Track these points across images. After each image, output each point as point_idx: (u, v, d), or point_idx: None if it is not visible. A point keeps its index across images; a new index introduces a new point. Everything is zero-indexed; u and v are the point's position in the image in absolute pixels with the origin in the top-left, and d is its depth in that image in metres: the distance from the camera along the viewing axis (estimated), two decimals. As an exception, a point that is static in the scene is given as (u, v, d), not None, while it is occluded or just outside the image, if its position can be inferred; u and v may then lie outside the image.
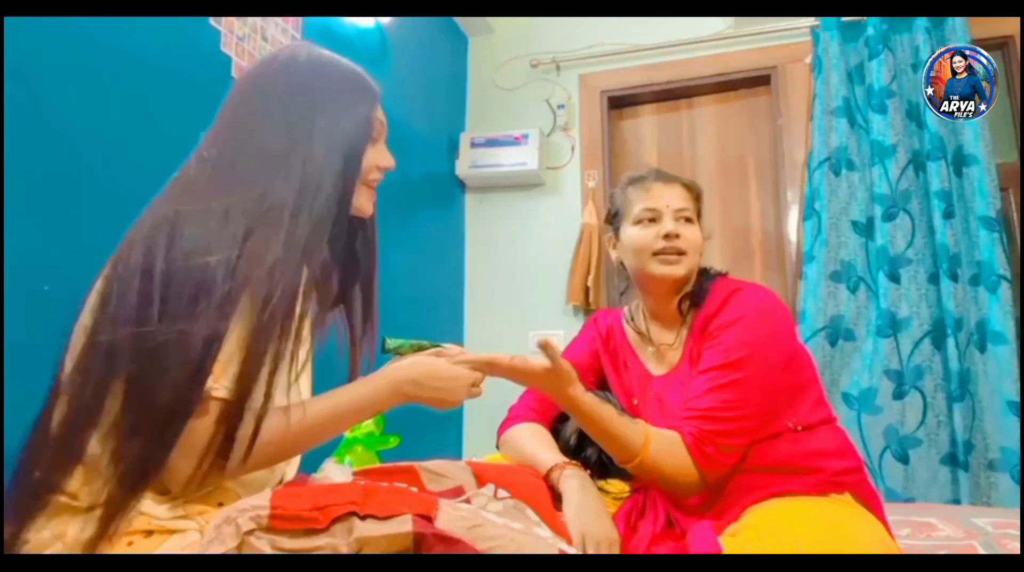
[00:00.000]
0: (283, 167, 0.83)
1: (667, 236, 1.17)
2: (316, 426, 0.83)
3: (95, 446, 0.75)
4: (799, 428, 1.10)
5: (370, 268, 1.05)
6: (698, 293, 1.20)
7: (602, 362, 1.32)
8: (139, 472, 0.72)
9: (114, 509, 0.71)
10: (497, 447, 1.30)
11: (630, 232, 1.22)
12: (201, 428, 0.73)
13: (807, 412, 1.12)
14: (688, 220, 1.20)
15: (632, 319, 1.31)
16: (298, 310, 0.82)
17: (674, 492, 1.10)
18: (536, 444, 1.20)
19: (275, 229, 0.80)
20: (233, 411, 0.74)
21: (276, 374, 0.78)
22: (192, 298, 0.73)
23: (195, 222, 0.77)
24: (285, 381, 0.84)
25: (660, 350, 1.24)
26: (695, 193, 1.25)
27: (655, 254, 1.18)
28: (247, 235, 0.78)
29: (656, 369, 1.23)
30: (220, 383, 0.74)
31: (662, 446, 1.03)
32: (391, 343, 1.01)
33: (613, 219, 1.30)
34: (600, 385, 1.33)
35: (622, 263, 1.27)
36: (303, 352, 0.87)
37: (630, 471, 1.06)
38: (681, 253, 1.18)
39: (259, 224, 0.79)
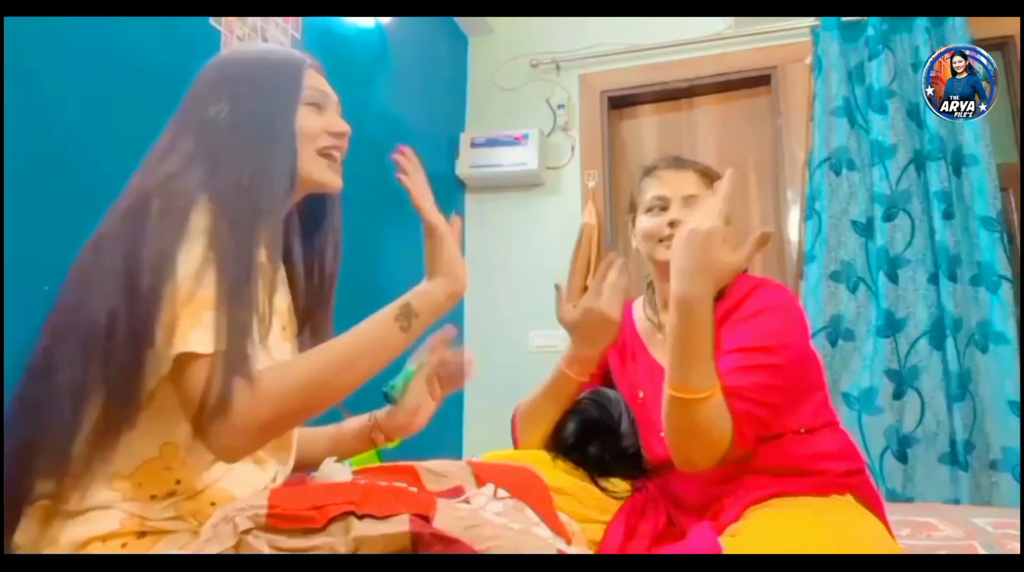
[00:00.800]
0: (218, 143, 0.85)
1: (672, 224, 1.18)
2: (334, 360, 0.79)
3: (69, 444, 0.74)
4: (802, 430, 1.09)
5: (332, 258, 1.02)
6: None
7: (608, 357, 1.32)
8: (107, 431, 0.73)
9: (82, 467, 0.72)
10: (515, 442, 1.31)
11: (641, 220, 1.24)
12: (192, 389, 0.71)
13: (811, 414, 1.12)
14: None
15: (645, 308, 1.30)
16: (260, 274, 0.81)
17: (690, 455, 1.00)
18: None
19: (224, 201, 0.80)
20: (218, 362, 0.71)
21: (251, 322, 0.76)
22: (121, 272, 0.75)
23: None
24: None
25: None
26: (709, 179, 1.23)
27: (662, 241, 1.19)
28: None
29: (663, 358, 1.23)
30: (192, 338, 0.71)
31: (722, 402, 0.96)
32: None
33: (632, 210, 1.31)
34: (604, 383, 1.33)
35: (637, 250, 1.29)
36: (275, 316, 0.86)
37: (674, 407, 0.97)
38: None
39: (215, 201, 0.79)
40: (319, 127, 0.92)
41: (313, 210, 0.99)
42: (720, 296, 1.16)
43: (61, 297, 0.82)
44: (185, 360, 0.71)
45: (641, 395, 1.23)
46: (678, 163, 1.26)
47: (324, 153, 0.92)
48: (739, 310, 1.13)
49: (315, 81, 0.94)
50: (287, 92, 0.90)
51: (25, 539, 0.73)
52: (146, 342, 0.72)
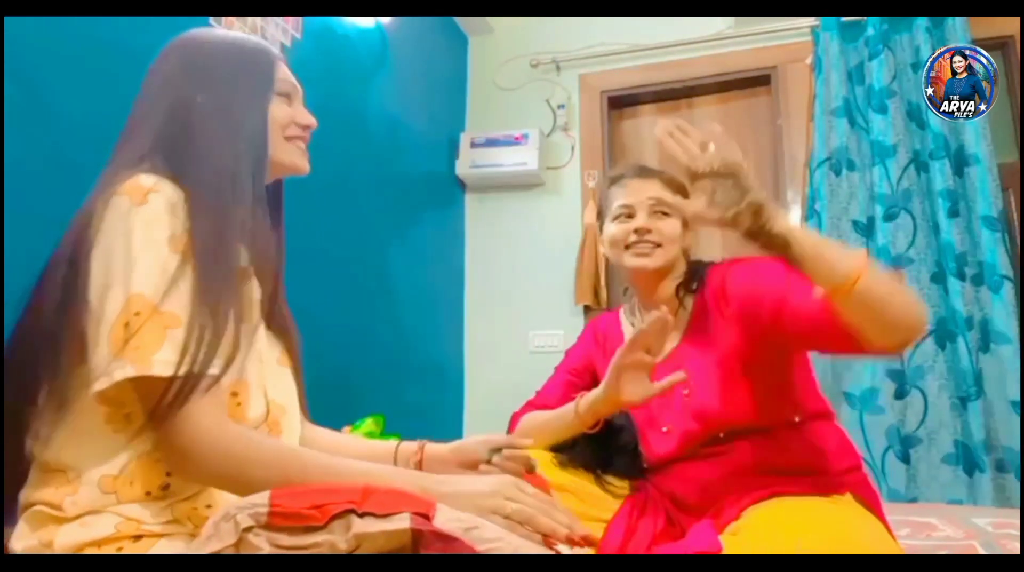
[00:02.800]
0: (187, 131, 0.84)
1: (638, 230, 1.20)
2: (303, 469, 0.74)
3: (65, 454, 0.75)
4: (796, 419, 1.11)
5: (282, 242, 1.00)
6: (692, 280, 1.22)
7: (596, 364, 1.33)
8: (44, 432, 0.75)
9: (60, 472, 0.74)
10: (512, 421, 1.32)
11: (607, 227, 1.26)
12: (162, 409, 0.70)
13: (804, 401, 1.13)
14: (664, 213, 1.22)
15: (629, 316, 1.33)
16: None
17: (892, 320, 0.88)
18: (551, 412, 1.25)
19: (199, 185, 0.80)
20: (179, 386, 0.70)
21: (238, 336, 0.76)
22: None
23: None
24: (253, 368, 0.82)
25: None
26: (676, 186, 1.25)
27: (627, 247, 1.22)
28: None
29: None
30: (157, 359, 0.70)
31: (879, 277, 0.87)
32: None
33: (600, 218, 1.33)
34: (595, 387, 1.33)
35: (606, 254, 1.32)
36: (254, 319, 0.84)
37: (840, 298, 0.87)
38: (656, 245, 1.20)
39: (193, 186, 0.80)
40: (288, 117, 0.93)
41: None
42: (695, 289, 1.20)
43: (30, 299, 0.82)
44: (143, 383, 0.70)
45: None
46: (644, 172, 1.27)
47: (291, 140, 0.93)
48: (728, 286, 1.14)
49: (284, 72, 0.95)
50: (263, 82, 0.90)
51: (21, 545, 0.73)
52: (75, 352, 0.73)
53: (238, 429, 0.75)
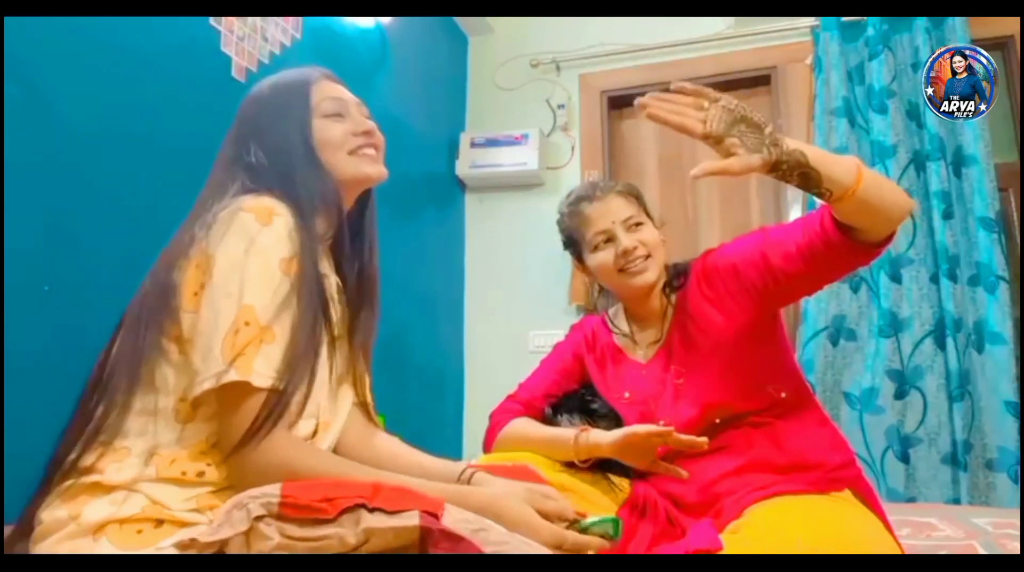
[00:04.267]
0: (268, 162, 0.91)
1: (625, 252, 1.20)
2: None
3: (120, 424, 0.79)
4: (782, 395, 1.13)
5: (371, 255, 1.05)
6: (675, 280, 1.24)
7: (586, 364, 1.33)
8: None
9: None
10: (487, 450, 1.30)
11: (592, 259, 1.25)
12: (241, 419, 0.76)
13: (787, 378, 1.16)
14: (638, 225, 1.23)
15: (615, 322, 1.32)
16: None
17: (888, 208, 0.99)
18: (545, 428, 1.24)
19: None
20: (277, 400, 0.77)
21: (315, 364, 0.82)
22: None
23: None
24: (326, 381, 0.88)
25: (646, 346, 1.26)
26: (633, 196, 1.26)
27: (622, 270, 1.21)
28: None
29: (644, 357, 1.26)
30: (257, 370, 0.76)
31: (870, 175, 0.95)
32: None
33: (571, 247, 1.32)
34: (583, 387, 1.34)
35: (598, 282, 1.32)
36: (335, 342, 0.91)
37: (842, 204, 0.95)
38: (646, 257, 1.21)
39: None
40: (341, 133, 0.95)
41: (353, 209, 1.02)
42: (679, 287, 1.23)
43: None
44: (237, 387, 0.75)
45: (627, 395, 1.24)
46: (598, 192, 1.26)
47: (356, 153, 0.96)
48: (710, 272, 1.19)
49: (328, 91, 0.97)
50: (298, 108, 0.94)
51: (50, 515, 0.75)
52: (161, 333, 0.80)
53: (306, 445, 0.83)
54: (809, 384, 1.22)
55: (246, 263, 0.78)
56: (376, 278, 1.04)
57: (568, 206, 1.30)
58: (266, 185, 0.87)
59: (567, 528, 0.82)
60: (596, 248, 1.24)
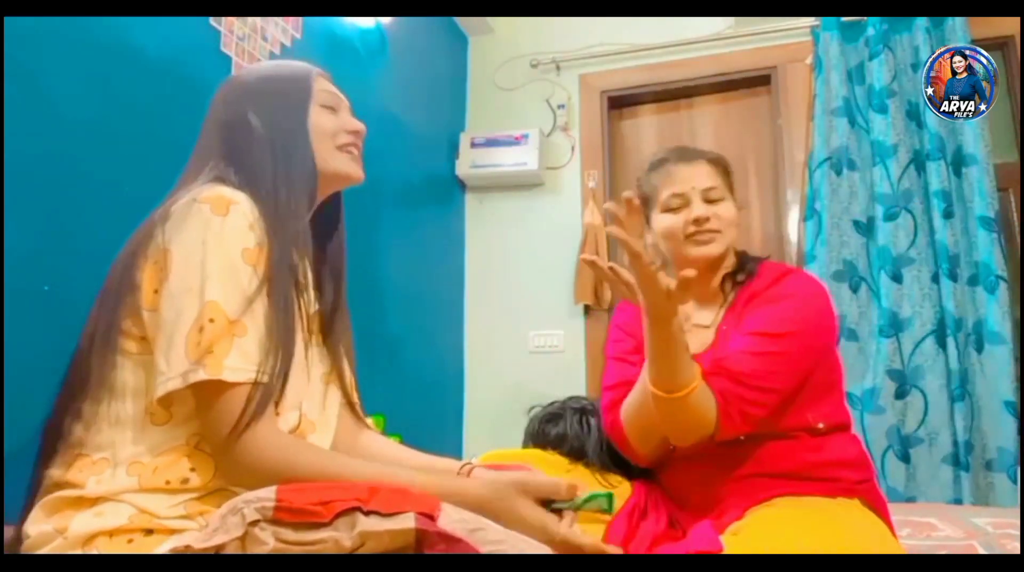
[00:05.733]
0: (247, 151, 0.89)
1: (697, 220, 1.16)
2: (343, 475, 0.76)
3: (102, 437, 0.77)
4: (820, 425, 1.09)
5: (342, 253, 1.04)
6: (742, 271, 1.19)
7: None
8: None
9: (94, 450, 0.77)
10: (624, 448, 1.18)
11: (660, 219, 1.20)
12: (223, 417, 0.74)
13: (830, 412, 1.12)
14: (718, 199, 1.18)
15: None
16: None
17: (681, 437, 1.05)
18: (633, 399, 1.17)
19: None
20: (261, 392, 0.75)
21: (292, 352, 0.81)
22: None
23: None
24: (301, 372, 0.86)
25: (696, 329, 1.21)
26: (722, 167, 1.22)
27: (688, 237, 1.17)
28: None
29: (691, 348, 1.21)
30: (230, 366, 0.74)
31: (703, 391, 0.99)
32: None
33: (644, 205, 1.24)
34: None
35: (655, 245, 1.25)
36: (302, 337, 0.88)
37: (663, 401, 0.98)
38: (715, 231, 1.17)
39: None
40: (334, 126, 0.95)
41: (323, 208, 1.01)
42: (743, 282, 1.17)
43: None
44: (211, 386, 0.74)
45: None
46: (688, 155, 1.23)
47: (343, 149, 0.96)
48: (767, 292, 1.13)
49: (325, 85, 0.98)
50: (300, 94, 0.94)
51: (36, 529, 0.74)
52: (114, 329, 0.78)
53: (295, 439, 0.81)
54: (850, 413, 1.17)
55: (205, 256, 0.76)
56: (345, 278, 1.02)
57: (653, 161, 1.26)
58: (242, 167, 0.86)
59: (562, 502, 0.82)
60: (668, 209, 1.19)
